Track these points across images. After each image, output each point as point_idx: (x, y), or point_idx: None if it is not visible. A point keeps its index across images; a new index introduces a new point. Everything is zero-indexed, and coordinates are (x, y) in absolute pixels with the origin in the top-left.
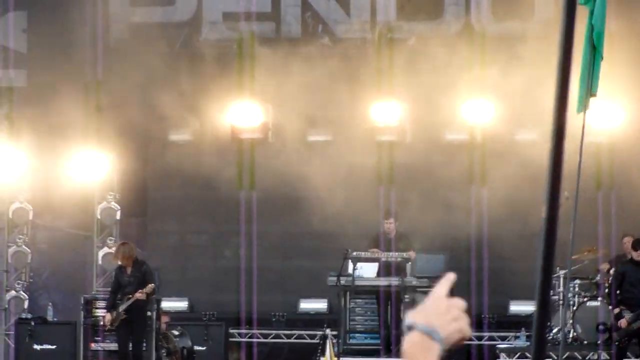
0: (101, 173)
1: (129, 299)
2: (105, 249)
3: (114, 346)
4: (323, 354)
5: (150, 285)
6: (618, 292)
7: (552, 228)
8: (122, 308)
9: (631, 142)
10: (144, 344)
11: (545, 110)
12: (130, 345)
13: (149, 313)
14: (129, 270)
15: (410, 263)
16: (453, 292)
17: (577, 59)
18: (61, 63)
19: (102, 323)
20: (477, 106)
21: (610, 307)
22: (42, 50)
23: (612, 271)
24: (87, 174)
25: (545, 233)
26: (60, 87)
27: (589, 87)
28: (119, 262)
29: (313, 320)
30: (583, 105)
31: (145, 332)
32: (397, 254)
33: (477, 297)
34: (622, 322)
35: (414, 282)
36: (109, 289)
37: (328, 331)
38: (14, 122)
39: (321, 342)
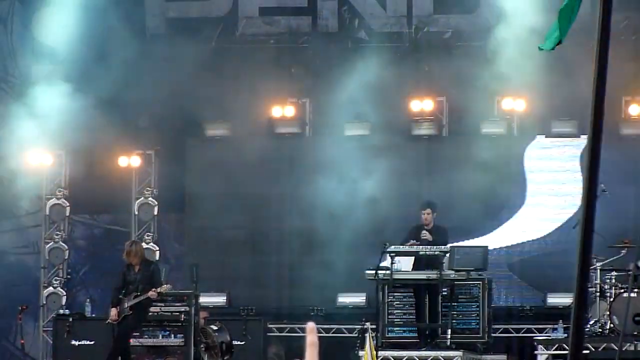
0: (139, 169)
1: (137, 296)
2: (143, 245)
3: (151, 341)
4: (362, 347)
5: (166, 286)
6: None
7: (589, 221)
8: (128, 304)
9: None
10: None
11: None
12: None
13: (150, 312)
14: (136, 268)
15: (447, 256)
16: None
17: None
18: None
19: (108, 319)
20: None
21: None
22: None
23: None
24: (124, 170)
25: (583, 226)
26: None
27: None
28: (128, 260)
29: (351, 314)
30: (550, 43)
31: (138, 329)
32: (434, 247)
33: (515, 289)
34: None
35: (452, 275)
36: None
37: (368, 324)
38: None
39: (360, 335)
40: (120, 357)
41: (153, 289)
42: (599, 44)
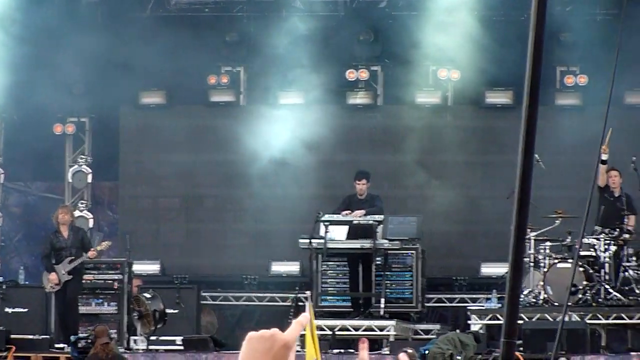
0: (73, 136)
1: (72, 260)
2: (77, 213)
3: (84, 309)
4: (296, 316)
5: (105, 242)
6: None
7: (525, 190)
8: (65, 270)
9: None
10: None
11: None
12: (69, 303)
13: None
14: (65, 234)
15: (381, 225)
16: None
17: None
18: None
19: (49, 285)
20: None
21: (580, 269)
22: None
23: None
24: (58, 137)
25: (519, 193)
26: None
27: None
28: (58, 225)
29: (285, 283)
30: None
31: (80, 293)
32: (368, 216)
33: (450, 259)
34: None
35: (386, 244)
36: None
37: (308, 293)
38: None
39: (294, 304)
40: (72, 324)
41: (92, 249)
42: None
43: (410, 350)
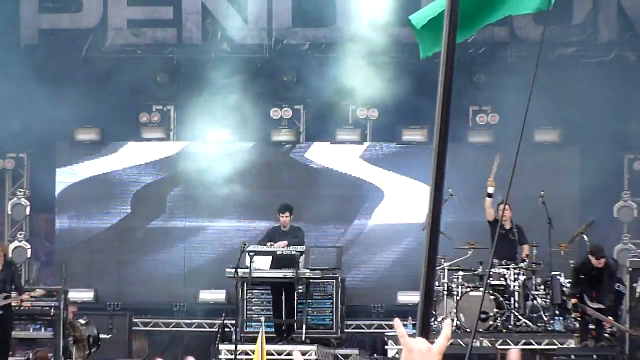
0: (12, 171)
1: (7, 297)
2: (16, 243)
3: (22, 334)
4: (224, 341)
5: (39, 290)
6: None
7: (435, 222)
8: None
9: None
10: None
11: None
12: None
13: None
14: None
15: (303, 256)
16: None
17: None
18: None
19: None
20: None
21: (492, 297)
22: None
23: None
24: None
25: (430, 227)
26: None
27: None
28: None
29: (212, 310)
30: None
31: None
32: (291, 247)
33: (368, 288)
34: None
35: (308, 274)
36: None
37: (262, 319)
38: None
39: (220, 330)
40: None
41: (27, 294)
42: (445, 59)
43: None
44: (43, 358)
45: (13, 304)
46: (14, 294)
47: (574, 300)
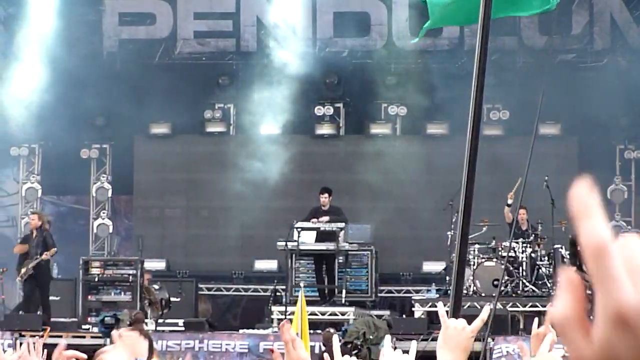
0: (96, 159)
1: (36, 259)
2: (99, 220)
3: (105, 298)
4: (275, 304)
5: (53, 249)
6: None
7: (468, 203)
8: (30, 265)
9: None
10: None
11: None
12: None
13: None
14: (34, 234)
15: (342, 231)
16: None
17: None
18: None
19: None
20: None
21: (502, 267)
22: None
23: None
24: (85, 160)
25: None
26: None
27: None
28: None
29: (265, 277)
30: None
31: (48, 285)
32: (332, 224)
33: (397, 258)
34: None
35: (346, 246)
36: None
37: (302, 285)
38: None
39: (272, 294)
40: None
41: (45, 253)
42: (478, 61)
43: (332, 330)
44: (140, 319)
45: (43, 261)
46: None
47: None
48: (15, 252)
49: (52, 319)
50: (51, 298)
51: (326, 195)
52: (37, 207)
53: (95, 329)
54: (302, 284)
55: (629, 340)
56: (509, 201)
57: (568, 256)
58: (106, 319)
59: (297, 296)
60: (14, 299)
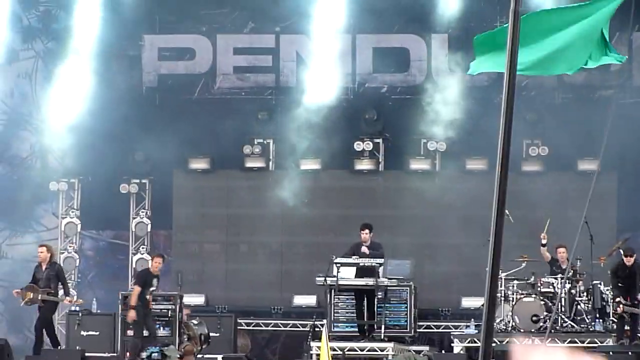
0: (136, 194)
1: (49, 294)
2: (139, 255)
3: (146, 333)
4: (314, 339)
5: (80, 300)
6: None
7: (498, 240)
8: (40, 297)
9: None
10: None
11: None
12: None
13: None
14: (43, 267)
15: (382, 267)
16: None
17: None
18: None
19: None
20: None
21: (541, 302)
22: None
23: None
24: (124, 195)
25: (493, 244)
26: None
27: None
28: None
29: (304, 313)
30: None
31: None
32: (372, 259)
33: (436, 293)
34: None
35: (386, 282)
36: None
37: (324, 322)
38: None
39: (311, 329)
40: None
41: (68, 299)
42: (506, 97)
43: None
44: (190, 351)
45: (59, 302)
46: (60, 292)
47: (618, 299)
48: (15, 296)
49: (91, 354)
50: (90, 333)
51: (367, 231)
52: (76, 243)
53: None
54: (324, 321)
55: None
56: (543, 241)
57: (607, 292)
58: (153, 355)
59: (337, 331)
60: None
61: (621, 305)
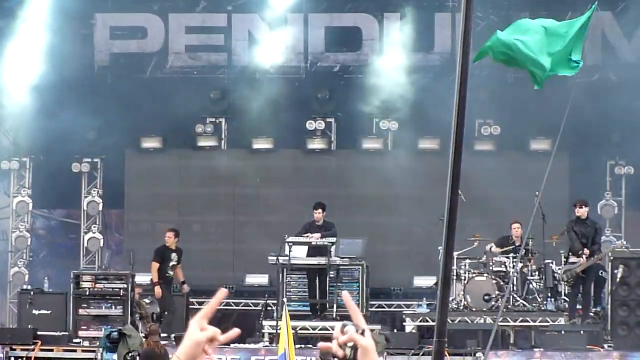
0: (87, 173)
1: None
2: (90, 234)
3: (96, 311)
4: (265, 318)
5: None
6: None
7: (452, 217)
8: None
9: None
10: None
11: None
12: None
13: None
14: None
15: (334, 246)
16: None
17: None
18: None
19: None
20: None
21: (493, 281)
22: None
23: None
24: (76, 173)
25: (447, 223)
26: None
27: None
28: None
29: (257, 292)
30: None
31: None
32: (324, 238)
33: (388, 273)
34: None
35: (338, 261)
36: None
37: (284, 299)
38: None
39: (263, 308)
40: None
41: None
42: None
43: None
44: (155, 331)
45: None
46: None
47: (586, 251)
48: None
49: (43, 333)
50: (42, 312)
51: (320, 210)
52: (28, 222)
53: (86, 343)
54: (285, 300)
55: None
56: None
57: (559, 271)
58: (112, 334)
59: (289, 310)
60: (3, 313)
61: (586, 249)
